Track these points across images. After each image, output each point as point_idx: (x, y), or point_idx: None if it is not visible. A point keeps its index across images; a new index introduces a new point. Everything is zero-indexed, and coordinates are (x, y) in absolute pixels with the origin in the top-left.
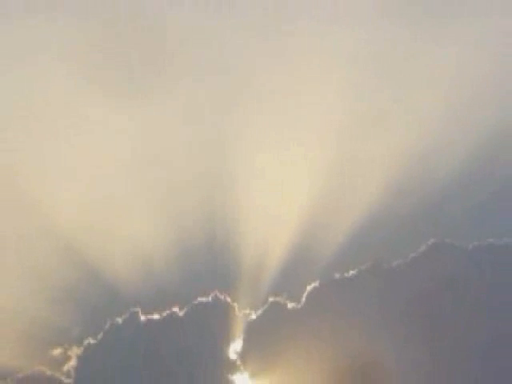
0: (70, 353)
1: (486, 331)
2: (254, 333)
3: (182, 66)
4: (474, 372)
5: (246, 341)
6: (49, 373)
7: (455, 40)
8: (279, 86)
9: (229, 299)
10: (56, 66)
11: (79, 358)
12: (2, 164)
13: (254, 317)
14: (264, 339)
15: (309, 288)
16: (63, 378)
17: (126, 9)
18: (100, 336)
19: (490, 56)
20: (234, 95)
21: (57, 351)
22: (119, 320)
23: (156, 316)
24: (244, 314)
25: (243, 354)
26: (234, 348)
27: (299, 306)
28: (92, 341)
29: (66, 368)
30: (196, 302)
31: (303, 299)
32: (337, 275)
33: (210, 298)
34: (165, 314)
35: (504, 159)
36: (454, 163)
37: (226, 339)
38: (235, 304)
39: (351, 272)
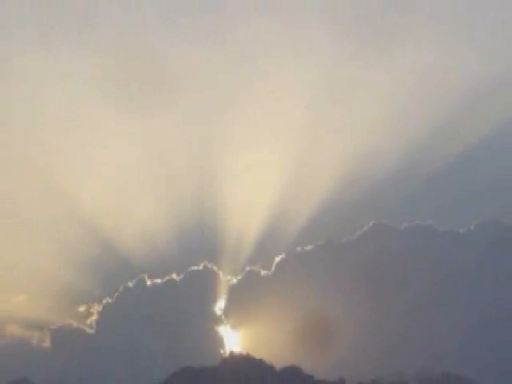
0: (92, 309)
1: (413, 291)
2: (234, 294)
3: (181, 87)
4: (404, 321)
5: (228, 300)
6: (75, 325)
7: (390, 68)
8: (256, 103)
9: (215, 268)
10: (84, 87)
11: (99, 313)
12: (40, 162)
13: (234, 281)
14: (242, 299)
15: (277, 259)
16: (87, 329)
17: (136, 45)
18: (115, 296)
19: (417, 79)
20: (221, 109)
21: (82, 308)
22: (130, 284)
23: (159, 281)
24: (227, 279)
25: (226, 311)
26: (219, 306)
27: (270, 273)
28: (109, 300)
29: (89, 321)
30: (190, 270)
31: (273, 268)
32: (299, 249)
33: (200, 267)
34: (165, 279)
35: (429, 158)
36: (389, 162)
37: (213, 299)
38: (220, 272)
39: (310, 246)
